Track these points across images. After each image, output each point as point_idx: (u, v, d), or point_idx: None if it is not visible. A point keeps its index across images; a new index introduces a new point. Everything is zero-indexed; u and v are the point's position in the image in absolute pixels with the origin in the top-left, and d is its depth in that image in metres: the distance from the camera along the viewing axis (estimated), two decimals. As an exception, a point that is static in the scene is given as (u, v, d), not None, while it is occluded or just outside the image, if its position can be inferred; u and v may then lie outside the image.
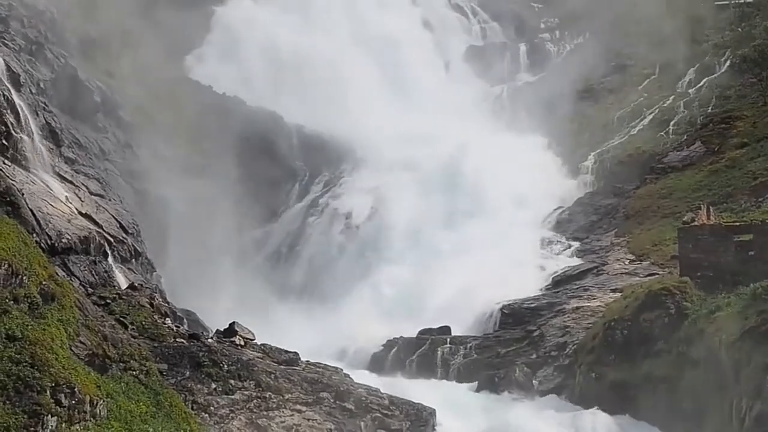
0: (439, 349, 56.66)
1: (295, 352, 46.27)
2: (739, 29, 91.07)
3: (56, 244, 47.19)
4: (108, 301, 43.94)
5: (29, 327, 29.75)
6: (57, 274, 36.21)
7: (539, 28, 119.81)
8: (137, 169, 67.94)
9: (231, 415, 38.81)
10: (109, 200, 59.05)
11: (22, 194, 46.51)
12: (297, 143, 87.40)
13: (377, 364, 57.45)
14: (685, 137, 78.74)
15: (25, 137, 53.51)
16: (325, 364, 47.09)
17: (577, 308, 57.10)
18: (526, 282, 64.49)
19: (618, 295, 54.84)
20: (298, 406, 40.96)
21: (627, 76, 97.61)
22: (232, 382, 40.15)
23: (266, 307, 67.85)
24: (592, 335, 50.39)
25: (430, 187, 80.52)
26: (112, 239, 53.69)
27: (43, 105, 60.81)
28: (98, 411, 29.95)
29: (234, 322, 47.23)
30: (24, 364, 28.29)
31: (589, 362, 48.87)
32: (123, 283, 50.58)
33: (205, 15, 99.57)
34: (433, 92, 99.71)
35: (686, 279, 47.65)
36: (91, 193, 57.43)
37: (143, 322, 42.59)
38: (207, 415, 38.00)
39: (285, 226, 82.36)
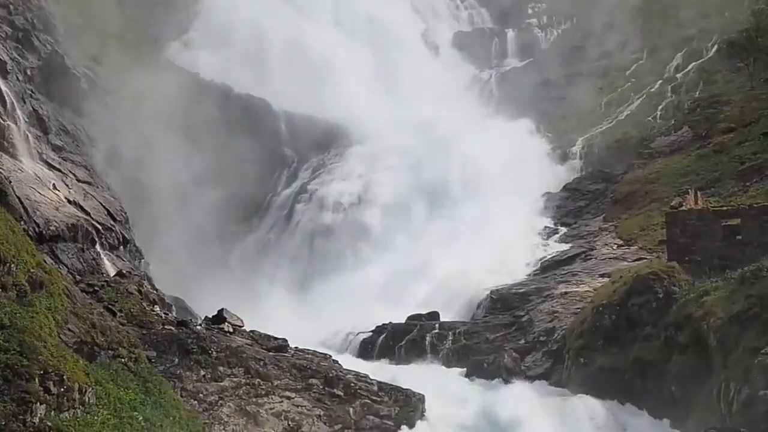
0: (427, 334, 56.54)
1: (284, 339, 46.24)
2: (726, 14, 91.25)
3: (44, 232, 47.10)
4: (96, 288, 43.79)
5: (17, 315, 29.63)
6: (45, 262, 36.06)
7: (527, 14, 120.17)
8: (125, 156, 67.81)
9: (220, 401, 38.81)
10: (97, 187, 58.97)
11: (10, 182, 46.37)
12: (285, 129, 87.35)
13: (366, 350, 57.39)
14: (673, 122, 78.94)
15: (12, 125, 53.35)
16: (314, 351, 47.08)
17: (566, 293, 57.16)
18: (514, 267, 64.69)
19: (606, 280, 54.93)
20: (288, 393, 40.97)
21: (614, 61, 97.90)
22: (221, 368, 40.10)
23: (255, 294, 67.94)
24: (581, 320, 50.41)
25: (419, 172, 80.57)
26: (99, 226, 53.60)
27: (30, 92, 60.69)
28: (87, 398, 29.88)
29: (222, 309, 47.16)
30: (12, 352, 28.19)
31: (577, 347, 48.89)
32: (111, 271, 50.53)
33: (192, 1, 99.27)
34: (421, 78, 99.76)
35: (674, 263, 47.72)
36: (79, 181, 57.34)
37: (132, 310, 42.48)
38: (196, 402, 37.98)
39: (273, 213, 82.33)
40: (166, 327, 42.18)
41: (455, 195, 77.24)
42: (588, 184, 77.31)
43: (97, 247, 52.13)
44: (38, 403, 27.81)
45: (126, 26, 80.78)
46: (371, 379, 44.42)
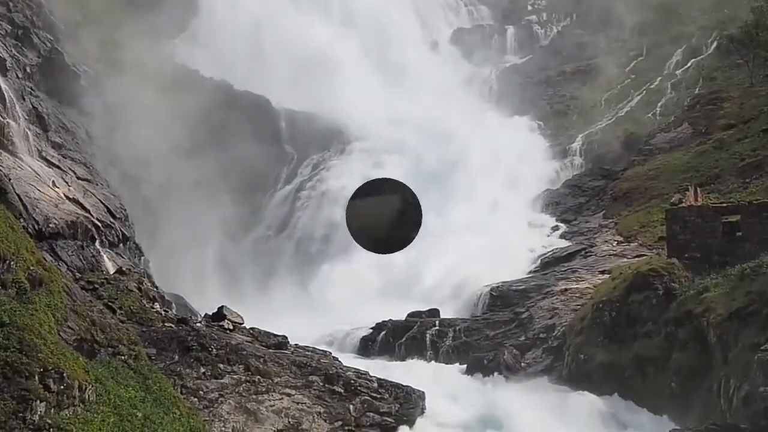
0: (428, 331, 56.53)
1: (284, 336, 46.21)
2: (725, 10, 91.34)
3: (44, 229, 47.03)
4: (96, 285, 43.77)
5: (17, 312, 29.59)
6: (45, 259, 36.04)
7: (526, 11, 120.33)
8: (124, 154, 67.75)
9: (220, 399, 38.79)
10: (97, 185, 58.88)
11: (9, 179, 46.29)
12: (285, 126, 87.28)
13: (366, 347, 57.42)
14: (673, 118, 79.03)
15: (11, 122, 53.24)
16: (314, 348, 47.12)
17: (566, 290, 57.18)
18: (514, 264, 64.60)
19: (606, 276, 54.97)
20: (288, 390, 40.96)
21: (614, 57, 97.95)
22: (221, 366, 40.09)
23: (254, 291, 67.93)
24: (581, 317, 50.42)
25: (418, 169, 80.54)
26: (99, 224, 53.52)
27: (30, 89, 60.60)
28: (87, 396, 29.84)
29: (222, 306, 47.13)
30: (12, 349, 28.14)
31: (577, 344, 48.88)
32: (111, 268, 50.46)
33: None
34: (420, 74, 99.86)
35: (674, 260, 47.71)
36: (78, 178, 57.26)
37: (132, 307, 42.46)
38: (196, 399, 37.97)
39: (273, 210, 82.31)
40: (165, 324, 42.16)
41: (455, 192, 77.20)
42: (588, 180, 77.40)
43: (97, 244, 52.08)
44: (38, 401, 27.76)
45: (125, 23, 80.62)
46: (371, 376, 44.39)
